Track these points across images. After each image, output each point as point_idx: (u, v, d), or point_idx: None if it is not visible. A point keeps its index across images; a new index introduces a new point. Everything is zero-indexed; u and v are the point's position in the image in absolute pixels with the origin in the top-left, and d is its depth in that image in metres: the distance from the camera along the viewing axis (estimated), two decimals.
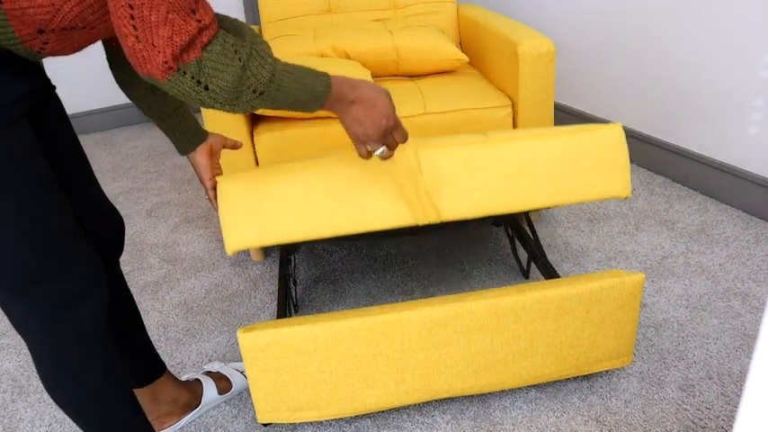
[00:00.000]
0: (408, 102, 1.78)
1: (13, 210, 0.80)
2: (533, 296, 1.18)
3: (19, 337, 1.65)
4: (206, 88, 0.75)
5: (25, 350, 1.60)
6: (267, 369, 1.16)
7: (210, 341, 1.57)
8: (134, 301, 1.20)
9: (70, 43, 0.79)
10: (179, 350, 1.55)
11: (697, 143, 2.09)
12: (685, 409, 1.26)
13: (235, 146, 1.16)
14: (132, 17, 0.69)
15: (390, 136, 0.98)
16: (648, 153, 2.29)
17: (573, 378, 1.35)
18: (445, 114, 1.75)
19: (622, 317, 1.24)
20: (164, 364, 1.27)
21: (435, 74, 2.06)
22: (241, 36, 0.81)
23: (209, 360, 1.50)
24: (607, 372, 1.36)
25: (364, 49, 1.96)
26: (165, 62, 0.72)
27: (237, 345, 1.55)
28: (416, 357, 1.19)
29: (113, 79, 1.06)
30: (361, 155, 0.98)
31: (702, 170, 2.08)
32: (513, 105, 1.79)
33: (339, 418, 1.30)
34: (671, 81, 2.13)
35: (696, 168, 2.10)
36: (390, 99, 0.96)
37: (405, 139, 1.00)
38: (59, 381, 0.92)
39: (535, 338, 1.22)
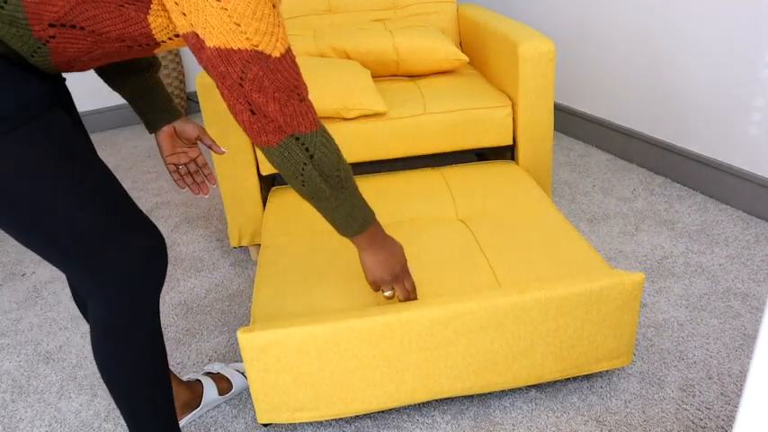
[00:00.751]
0: (408, 102, 1.78)
1: (70, 184, 0.85)
2: (533, 296, 1.17)
3: (19, 337, 1.65)
4: (311, 157, 0.88)
5: (25, 350, 1.60)
6: (267, 369, 1.16)
7: (210, 341, 1.57)
8: None
9: (75, 48, 0.82)
10: (179, 350, 1.55)
11: (697, 143, 2.09)
12: (685, 409, 1.26)
13: (212, 147, 1.16)
14: (247, 99, 0.82)
15: (400, 282, 1.13)
16: (648, 153, 2.29)
17: (573, 378, 1.35)
18: (445, 114, 1.75)
19: (622, 317, 1.24)
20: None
21: (435, 74, 2.06)
22: None
23: (210, 360, 1.50)
24: (607, 372, 1.36)
25: (364, 49, 1.96)
26: (281, 129, 0.85)
27: (237, 345, 1.55)
28: (416, 357, 1.19)
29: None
30: (372, 289, 1.17)
31: (702, 170, 2.08)
32: (513, 105, 1.79)
33: (339, 419, 1.30)
34: (671, 81, 2.13)
35: (696, 168, 2.10)
36: (403, 252, 1.13)
37: (411, 291, 1.16)
38: (106, 346, 0.95)
39: (535, 338, 1.22)
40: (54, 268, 1.97)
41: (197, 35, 0.77)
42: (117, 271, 0.91)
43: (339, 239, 1.45)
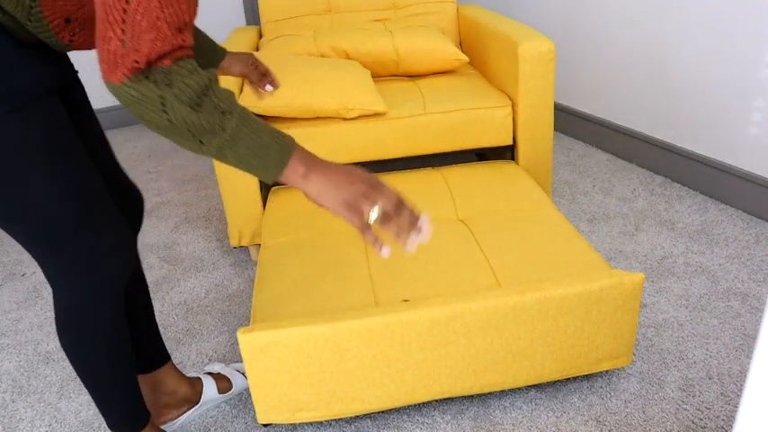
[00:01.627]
0: (408, 102, 1.78)
1: (50, 175, 0.88)
2: (533, 296, 1.17)
3: (19, 337, 1.65)
4: (169, 86, 0.71)
5: (25, 350, 1.60)
6: (267, 369, 1.16)
7: (210, 341, 1.57)
8: (146, 284, 1.22)
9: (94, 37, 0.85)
10: (179, 350, 1.55)
11: (697, 143, 2.09)
12: (685, 409, 1.26)
13: (271, 82, 1.18)
14: (124, 21, 0.69)
15: (378, 193, 0.79)
16: (648, 153, 2.29)
17: (573, 378, 1.35)
18: (445, 114, 1.75)
19: (622, 317, 1.24)
20: (168, 354, 1.28)
21: (435, 74, 2.06)
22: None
23: (210, 360, 1.50)
24: (607, 372, 1.36)
25: (364, 49, 1.96)
26: (136, 61, 0.70)
27: (237, 345, 1.55)
28: (416, 357, 1.19)
29: None
30: (357, 227, 0.80)
31: (702, 170, 2.08)
32: (513, 105, 1.79)
33: (339, 419, 1.30)
34: (671, 81, 2.13)
35: (696, 168, 2.10)
36: (369, 174, 0.82)
37: (400, 200, 0.80)
38: (70, 328, 1.00)
39: (535, 338, 1.22)
40: None
41: None
42: (78, 263, 0.95)
43: (340, 239, 1.45)
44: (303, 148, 0.82)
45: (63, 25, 0.84)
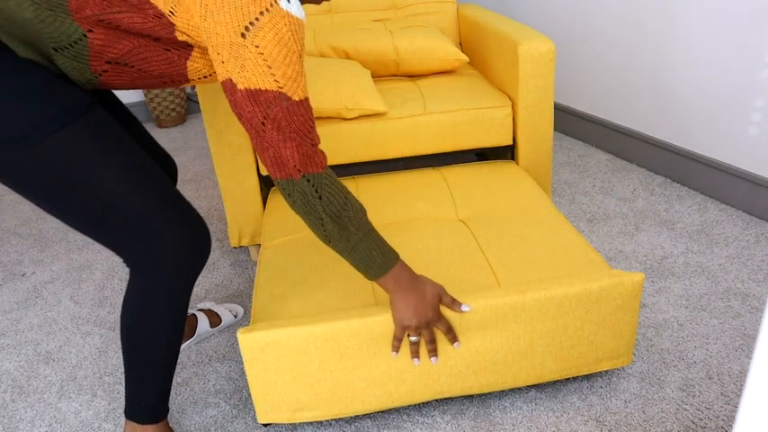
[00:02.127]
0: (408, 102, 1.78)
1: (115, 175, 0.96)
2: (533, 296, 1.17)
3: (19, 337, 1.65)
4: (320, 198, 0.95)
5: (25, 350, 1.60)
6: (267, 369, 1.17)
7: (210, 341, 1.57)
8: None
9: (122, 81, 0.98)
10: None
11: (697, 143, 2.09)
12: (685, 409, 1.26)
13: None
14: (269, 138, 0.91)
15: (430, 329, 1.11)
16: (648, 153, 2.29)
17: (573, 378, 1.35)
18: (445, 114, 1.75)
19: (622, 317, 1.24)
20: None
21: (435, 74, 2.06)
22: None
23: (210, 360, 1.50)
24: (607, 372, 1.36)
25: (364, 49, 1.96)
26: (297, 169, 0.93)
27: (238, 344, 1.55)
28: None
29: None
30: (396, 336, 1.11)
31: (702, 170, 2.08)
32: (513, 105, 1.79)
33: (339, 418, 1.30)
34: (671, 81, 2.13)
35: (696, 168, 2.10)
36: (443, 295, 1.11)
37: (447, 332, 1.12)
38: (143, 309, 1.06)
39: (535, 338, 1.22)
40: (54, 269, 1.97)
41: (231, 80, 0.88)
42: (162, 254, 1.01)
43: None
44: (401, 267, 1.06)
45: (108, 87, 1.00)
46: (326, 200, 0.96)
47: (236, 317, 1.63)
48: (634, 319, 1.25)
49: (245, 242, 1.83)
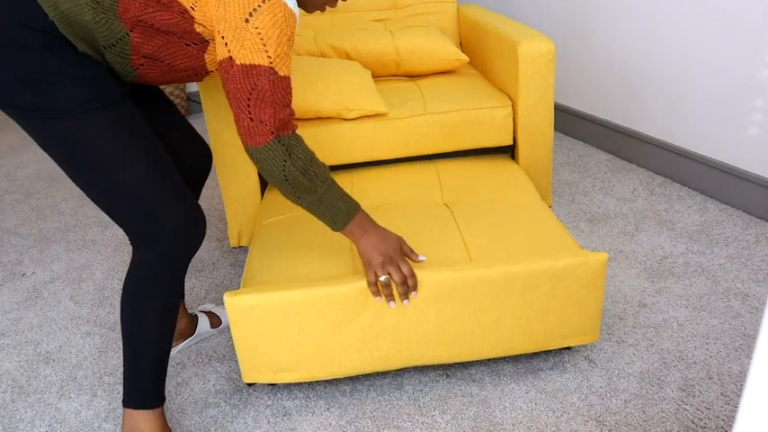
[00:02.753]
0: (408, 102, 1.78)
1: (138, 157, 1.10)
2: (500, 270, 1.23)
3: (19, 337, 1.65)
4: (290, 155, 1.08)
5: (25, 350, 1.60)
6: (250, 331, 1.25)
7: (211, 341, 1.57)
8: None
9: (155, 73, 1.13)
10: (179, 349, 1.55)
11: (697, 143, 2.09)
12: (685, 409, 1.26)
13: None
14: (249, 106, 1.05)
15: (395, 265, 1.19)
16: (648, 153, 2.29)
17: (573, 377, 1.35)
18: (445, 114, 1.76)
19: (587, 295, 1.28)
20: None
21: (435, 74, 2.06)
22: None
23: (210, 359, 1.50)
24: (607, 372, 1.36)
25: (364, 49, 1.96)
26: (272, 132, 1.06)
27: None
28: (389, 323, 1.26)
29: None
30: (368, 280, 1.19)
31: (702, 170, 2.08)
32: (513, 105, 1.79)
33: (339, 416, 1.30)
34: (671, 81, 2.13)
35: (696, 168, 2.10)
36: (402, 244, 1.22)
37: (408, 276, 1.19)
38: (144, 288, 1.16)
39: (502, 312, 1.28)
40: (54, 269, 1.97)
41: (231, 57, 1.04)
42: (163, 232, 1.12)
43: None
44: (363, 215, 1.19)
45: (143, 80, 1.15)
46: (296, 156, 1.09)
47: None
48: (600, 298, 1.28)
49: (244, 242, 1.83)
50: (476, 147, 1.81)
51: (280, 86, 1.06)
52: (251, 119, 1.06)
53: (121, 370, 1.50)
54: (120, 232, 2.16)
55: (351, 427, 1.28)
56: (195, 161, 1.41)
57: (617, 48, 2.33)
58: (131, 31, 1.05)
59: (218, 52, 1.06)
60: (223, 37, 1.04)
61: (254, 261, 1.37)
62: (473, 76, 2.03)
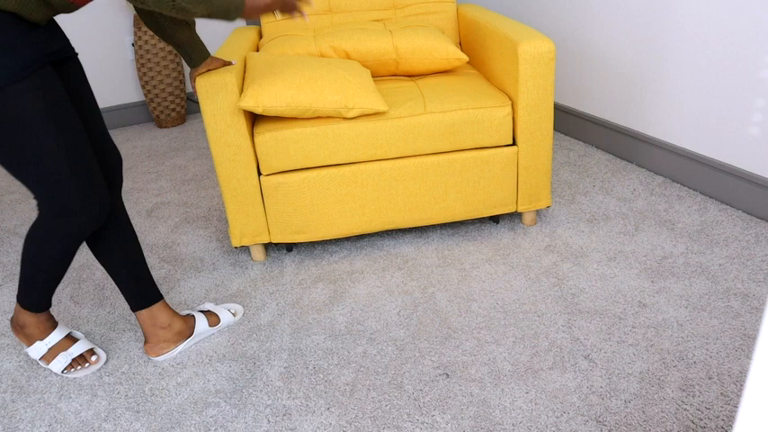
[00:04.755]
0: (408, 101, 1.78)
1: (51, 133, 1.17)
2: (445, 158, 1.79)
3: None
4: None
5: (25, 350, 1.60)
6: (277, 202, 1.77)
7: (211, 341, 1.57)
8: (134, 233, 1.47)
9: None
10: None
11: (697, 143, 2.09)
12: (685, 409, 1.26)
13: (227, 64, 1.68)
14: None
15: (279, 7, 1.35)
16: (648, 153, 2.29)
17: (573, 377, 1.35)
18: (445, 114, 1.75)
19: (505, 176, 1.84)
20: (160, 293, 1.52)
21: (435, 74, 2.06)
22: None
23: (210, 360, 1.50)
24: (607, 372, 1.36)
25: (364, 49, 1.96)
26: None
27: (237, 344, 1.55)
28: (371, 196, 1.80)
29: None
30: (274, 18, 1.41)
31: (702, 170, 2.08)
32: (513, 105, 1.79)
33: (339, 416, 1.30)
34: (671, 81, 2.13)
35: (696, 168, 2.10)
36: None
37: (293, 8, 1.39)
38: (37, 240, 1.31)
39: (448, 187, 1.83)
40: None
41: None
42: (61, 208, 1.24)
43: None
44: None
45: None
46: None
47: (234, 315, 1.63)
48: (513, 179, 1.85)
49: (245, 242, 1.83)
50: (475, 146, 1.81)
51: None
52: None
53: (121, 370, 1.50)
54: None
55: (351, 427, 1.28)
56: (111, 163, 1.43)
57: (617, 48, 2.33)
58: None
59: None
60: None
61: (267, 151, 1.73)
62: (473, 75, 2.03)
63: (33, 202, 2.46)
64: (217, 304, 1.71)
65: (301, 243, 1.97)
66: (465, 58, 1.98)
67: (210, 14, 1.21)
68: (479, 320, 1.56)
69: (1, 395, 1.45)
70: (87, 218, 1.28)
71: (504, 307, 1.61)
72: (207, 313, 1.61)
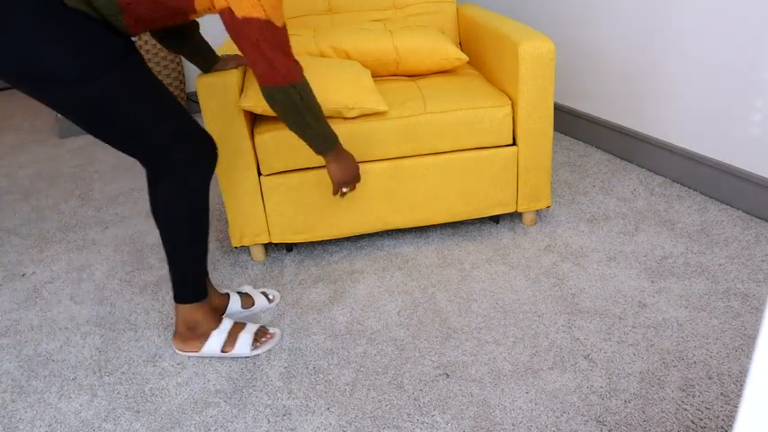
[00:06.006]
0: (408, 101, 1.78)
1: (158, 103, 1.29)
2: (445, 158, 1.79)
3: (19, 337, 1.65)
4: (302, 99, 1.33)
5: (25, 350, 1.60)
6: (278, 202, 1.78)
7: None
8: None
9: (140, 11, 1.23)
10: None
11: (697, 143, 2.09)
12: (685, 410, 1.26)
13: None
14: (263, 54, 1.25)
15: (354, 183, 1.57)
16: (648, 153, 2.29)
17: (573, 377, 1.35)
18: (445, 114, 1.75)
19: (504, 176, 1.84)
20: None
21: (435, 73, 2.06)
22: None
23: (210, 359, 1.50)
24: (607, 372, 1.36)
25: (364, 49, 1.96)
26: (284, 76, 1.28)
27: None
28: (371, 197, 1.79)
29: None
30: (333, 190, 1.56)
31: (702, 170, 2.08)
32: (513, 105, 1.79)
33: (339, 416, 1.30)
34: (671, 81, 2.13)
35: (696, 168, 2.10)
36: (356, 162, 1.57)
37: (354, 188, 1.60)
38: (182, 206, 1.37)
39: (448, 187, 1.83)
40: (54, 269, 1.97)
41: (230, 9, 1.22)
42: (180, 163, 1.32)
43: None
44: (340, 145, 1.50)
45: (134, 24, 1.26)
46: (306, 99, 1.34)
47: (271, 301, 1.68)
48: (513, 179, 1.85)
49: (246, 242, 1.83)
50: (475, 146, 1.81)
51: (280, 35, 1.24)
52: (265, 64, 1.26)
53: (122, 370, 1.50)
54: (120, 232, 2.16)
55: (351, 427, 1.28)
56: None
57: (617, 48, 2.33)
58: None
59: (217, 3, 1.24)
60: None
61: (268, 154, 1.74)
62: (473, 75, 2.03)
63: (34, 203, 2.46)
64: (255, 287, 1.76)
65: (301, 243, 1.97)
66: (465, 58, 1.98)
67: (313, 133, 1.40)
68: (479, 320, 1.56)
69: (1, 395, 1.45)
70: (204, 164, 1.36)
71: (504, 307, 1.61)
72: (243, 294, 1.65)
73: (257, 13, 1.21)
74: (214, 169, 1.39)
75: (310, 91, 1.35)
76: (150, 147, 1.30)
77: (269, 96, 1.31)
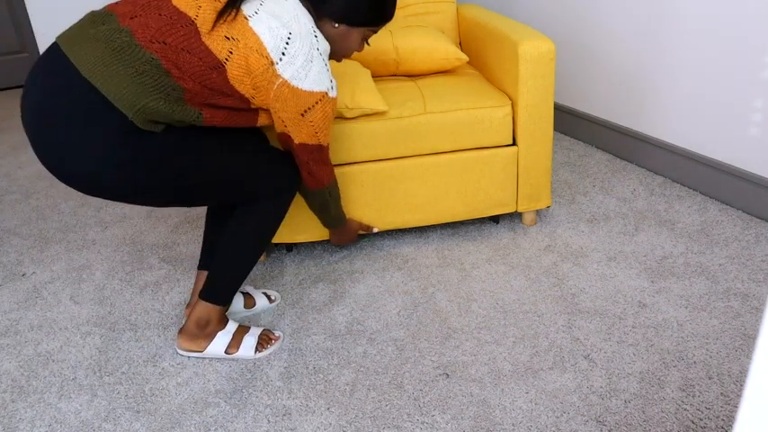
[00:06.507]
0: (408, 102, 1.78)
1: (238, 156, 1.39)
2: (445, 158, 1.80)
3: (19, 337, 1.65)
4: (330, 195, 1.53)
5: (25, 350, 1.60)
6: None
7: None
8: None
9: (216, 120, 1.34)
10: None
11: (697, 143, 2.09)
12: (685, 410, 1.26)
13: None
14: (308, 168, 1.44)
15: (349, 243, 1.85)
16: (648, 153, 2.29)
17: (573, 377, 1.35)
18: (445, 114, 1.75)
19: (504, 176, 1.84)
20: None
21: (435, 73, 2.06)
22: None
23: (210, 359, 1.50)
24: (607, 372, 1.36)
25: (364, 49, 1.96)
26: (323, 183, 1.49)
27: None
28: (372, 196, 1.80)
29: None
30: (333, 244, 1.87)
31: (702, 170, 2.08)
32: (513, 105, 1.79)
33: (339, 416, 1.30)
34: (671, 81, 2.13)
35: (696, 168, 2.10)
36: (359, 226, 1.80)
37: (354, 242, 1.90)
38: (264, 229, 1.47)
39: (448, 187, 1.83)
40: (54, 269, 1.97)
41: (290, 136, 1.37)
42: (261, 200, 1.43)
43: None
44: (345, 223, 1.70)
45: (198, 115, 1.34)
46: (334, 196, 1.55)
47: (272, 301, 1.69)
48: (513, 180, 1.85)
49: None
50: (475, 146, 1.81)
51: (325, 152, 1.43)
52: (311, 175, 1.45)
53: (122, 370, 1.50)
54: (120, 232, 2.16)
55: (351, 427, 1.28)
56: None
57: (617, 48, 2.33)
58: (202, 110, 1.28)
59: (277, 127, 1.37)
60: (282, 121, 1.34)
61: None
62: (473, 75, 2.03)
63: (34, 203, 2.46)
64: (256, 287, 1.76)
65: (301, 243, 1.97)
66: (465, 57, 1.98)
67: (328, 216, 1.60)
68: (479, 320, 1.56)
69: (1, 395, 1.45)
70: (287, 189, 1.46)
71: (504, 307, 1.61)
72: (245, 294, 1.67)
73: (312, 141, 1.37)
74: (294, 194, 1.48)
75: (337, 187, 1.54)
76: (234, 189, 1.39)
77: (306, 194, 1.51)
